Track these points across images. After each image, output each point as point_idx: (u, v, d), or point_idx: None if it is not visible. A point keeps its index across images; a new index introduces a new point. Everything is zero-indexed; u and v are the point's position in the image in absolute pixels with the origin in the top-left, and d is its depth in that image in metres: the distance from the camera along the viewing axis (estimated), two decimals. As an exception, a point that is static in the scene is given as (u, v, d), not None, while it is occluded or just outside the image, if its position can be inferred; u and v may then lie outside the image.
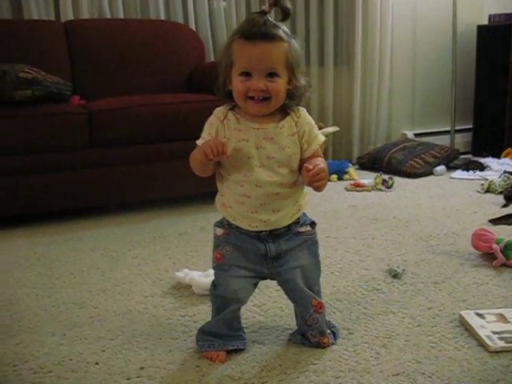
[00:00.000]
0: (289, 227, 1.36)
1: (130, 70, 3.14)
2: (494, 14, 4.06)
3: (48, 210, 2.64)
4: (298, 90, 1.29)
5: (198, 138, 1.36)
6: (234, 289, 1.34)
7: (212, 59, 3.50)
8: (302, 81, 1.28)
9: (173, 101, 2.78)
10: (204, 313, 1.60)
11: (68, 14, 3.16)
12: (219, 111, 1.33)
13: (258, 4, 3.58)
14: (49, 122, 2.53)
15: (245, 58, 1.23)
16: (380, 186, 3.17)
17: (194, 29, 3.45)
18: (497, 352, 1.35)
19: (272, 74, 1.23)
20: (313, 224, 1.41)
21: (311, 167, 1.23)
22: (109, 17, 3.29)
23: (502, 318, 1.49)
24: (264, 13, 1.23)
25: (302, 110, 1.34)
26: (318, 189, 1.26)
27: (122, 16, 3.31)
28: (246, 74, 1.24)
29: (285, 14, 1.25)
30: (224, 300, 1.36)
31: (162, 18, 3.39)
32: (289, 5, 1.24)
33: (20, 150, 2.50)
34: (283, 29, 1.24)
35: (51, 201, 2.60)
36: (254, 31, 1.21)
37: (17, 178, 2.51)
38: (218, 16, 3.55)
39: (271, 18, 1.24)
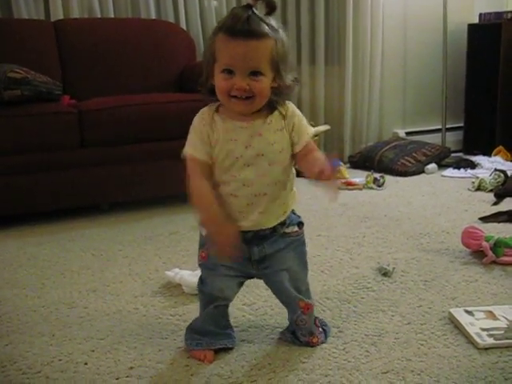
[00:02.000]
0: (274, 229, 1.33)
1: (121, 69, 3.13)
2: (485, 13, 4.06)
3: (39, 210, 2.63)
4: (284, 88, 1.24)
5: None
6: (221, 287, 1.34)
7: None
8: (288, 79, 1.24)
9: (163, 100, 2.77)
10: (194, 312, 1.60)
11: (58, 14, 3.15)
12: (204, 113, 1.28)
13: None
14: (39, 122, 2.52)
15: (227, 55, 1.18)
16: (371, 185, 3.18)
17: (184, 28, 3.45)
18: (485, 349, 1.36)
19: (256, 73, 1.19)
20: (300, 224, 1.38)
21: (321, 170, 1.16)
22: (99, 16, 3.28)
23: (491, 315, 1.50)
24: (249, 6, 1.18)
25: (290, 104, 1.30)
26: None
27: (112, 15, 3.30)
28: (229, 72, 1.19)
29: (270, 8, 1.19)
30: (211, 297, 1.37)
31: (153, 17, 3.39)
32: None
33: (10, 150, 2.49)
34: (269, 23, 1.18)
35: (42, 201, 2.59)
36: (238, 28, 1.15)
37: (7, 178, 2.51)
38: (208, 15, 3.55)
39: (256, 11, 1.18)
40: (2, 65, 2.54)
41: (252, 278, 1.40)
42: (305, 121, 1.32)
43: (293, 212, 1.37)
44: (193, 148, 1.27)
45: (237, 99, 1.21)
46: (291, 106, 1.30)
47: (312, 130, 1.33)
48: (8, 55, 2.78)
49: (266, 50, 1.18)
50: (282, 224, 1.34)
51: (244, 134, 1.26)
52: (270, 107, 1.27)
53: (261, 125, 1.26)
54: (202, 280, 1.39)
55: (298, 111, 1.31)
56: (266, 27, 1.18)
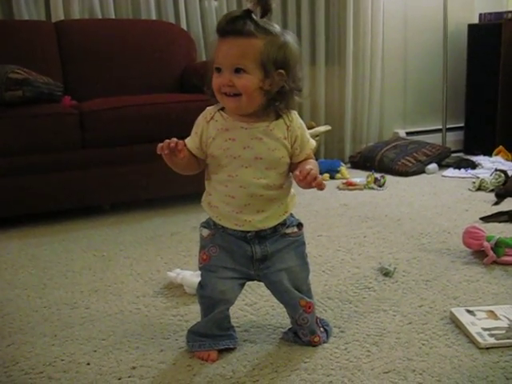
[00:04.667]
0: (275, 228, 1.35)
1: (122, 70, 3.13)
2: (485, 13, 4.07)
3: (40, 210, 2.63)
4: (280, 92, 1.25)
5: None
6: (222, 289, 1.34)
7: (203, 59, 3.49)
8: (280, 81, 1.24)
9: (164, 101, 2.78)
10: (195, 312, 1.60)
11: (59, 14, 3.15)
12: (207, 111, 1.33)
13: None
14: (40, 123, 2.52)
15: (217, 53, 1.24)
16: (372, 185, 3.18)
17: (185, 28, 3.45)
18: (487, 348, 1.36)
19: (239, 70, 1.21)
20: (299, 225, 1.40)
21: (298, 173, 1.22)
22: (100, 17, 3.29)
23: (493, 315, 1.50)
24: (248, 11, 1.21)
25: (294, 114, 1.32)
26: (319, 187, 1.22)
27: (113, 16, 3.31)
28: (219, 70, 1.24)
29: (264, 10, 1.22)
30: (212, 301, 1.36)
31: (154, 17, 3.39)
32: (270, 1, 1.21)
33: (11, 151, 2.49)
34: (263, 25, 1.21)
35: (43, 202, 2.59)
36: (224, 27, 1.21)
37: (8, 179, 2.51)
38: (209, 15, 3.55)
39: (255, 15, 1.21)
40: (3, 66, 2.54)
41: (252, 280, 1.40)
42: (307, 133, 1.34)
43: (291, 215, 1.39)
44: (189, 137, 1.34)
45: (226, 96, 1.25)
46: (295, 117, 1.32)
47: (314, 143, 1.35)
48: (9, 56, 2.78)
49: (251, 48, 1.21)
50: (283, 224, 1.36)
51: (243, 135, 1.28)
52: (275, 114, 1.29)
53: (262, 130, 1.28)
54: (201, 285, 1.39)
55: (300, 122, 1.33)
56: (254, 27, 1.20)
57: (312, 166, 1.27)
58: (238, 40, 1.20)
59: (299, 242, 1.39)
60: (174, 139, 1.25)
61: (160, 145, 1.25)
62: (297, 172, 1.23)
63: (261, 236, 1.34)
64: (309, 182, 1.20)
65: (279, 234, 1.36)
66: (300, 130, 1.31)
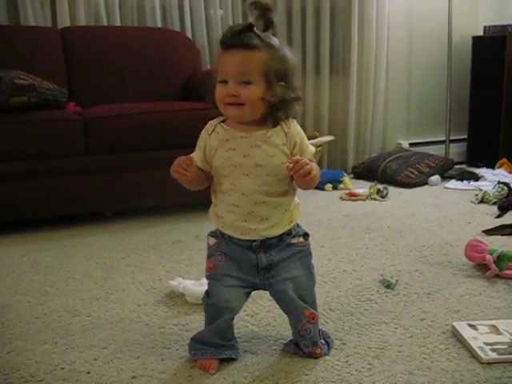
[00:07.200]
0: (281, 238, 1.36)
1: (126, 77, 3.15)
2: (489, 26, 4.08)
3: (42, 216, 2.63)
4: (282, 102, 1.29)
5: (193, 145, 1.38)
6: (226, 298, 1.35)
7: (208, 67, 3.50)
8: (284, 93, 1.28)
9: (168, 108, 2.78)
10: (197, 322, 1.60)
11: (65, 21, 3.17)
12: (209, 125, 1.36)
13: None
14: (44, 129, 2.53)
15: (222, 66, 1.27)
16: (375, 196, 3.18)
17: (190, 37, 3.46)
18: (489, 363, 1.35)
19: (244, 81, 1.25)
20: (306, 235, 1.41)
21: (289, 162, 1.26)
22: (105, 24, 3.30)
23: (495, 330, 1.49)
24: (250, 25, 1.25)
25: (293, 121, 1.34)
26: (307, 177, 1.25)
27: (118, 23, 3.32)
28: (224, 82, 1.27)
29: (266, 25, 1.25)
30: (217, 309, 1.37)
31: (159, 25, 3.40)
32: (272, 17, 1.25)
33: (15, 157, 2.50)
34: (265, 39, 1.25)
35: (46, 208, 2.60)
36: (229, 40, 1.25)
37: (11, 185, 2.51)
38: (214, 24, 3.56)
39: (257, 29, 1.25)
40: (9, 71, 2.55)
41: (258, 289, 1.41)
42: (306, 140, 1.37)
43: (298, 226, 1.40)
44: (195, 152, 1.37)
45: (230, 106, 1.28)
46: (294, 124, 1.34)
47: (313, 149, 1.37)
48: (15, 62, 2.79)
49: (256, 60, 1.24)
50: (288, 234, 1.37)
51: (243, 144, 1.30)
52: (274, 122, 1.32)
53: (260, 137, 1.30)
54: (207, 293, 1.40)
55: (299, 129, 1.35)
56: (258, 41, 1.24)
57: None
58: (243, 52, 1.24)
59: (305, 252, 1.40)
60: (182, 158, 1.29)
61: (174, 168, 1.29)
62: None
63: (266, 245, 1.35)
64: (297, 170, 1.24)
65: (285, 243, 1.37)
66: (299, 137, 1.33)
